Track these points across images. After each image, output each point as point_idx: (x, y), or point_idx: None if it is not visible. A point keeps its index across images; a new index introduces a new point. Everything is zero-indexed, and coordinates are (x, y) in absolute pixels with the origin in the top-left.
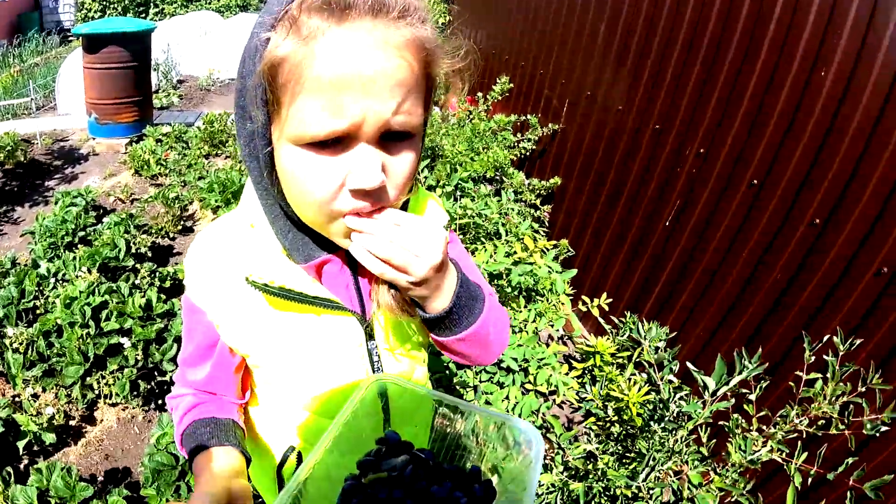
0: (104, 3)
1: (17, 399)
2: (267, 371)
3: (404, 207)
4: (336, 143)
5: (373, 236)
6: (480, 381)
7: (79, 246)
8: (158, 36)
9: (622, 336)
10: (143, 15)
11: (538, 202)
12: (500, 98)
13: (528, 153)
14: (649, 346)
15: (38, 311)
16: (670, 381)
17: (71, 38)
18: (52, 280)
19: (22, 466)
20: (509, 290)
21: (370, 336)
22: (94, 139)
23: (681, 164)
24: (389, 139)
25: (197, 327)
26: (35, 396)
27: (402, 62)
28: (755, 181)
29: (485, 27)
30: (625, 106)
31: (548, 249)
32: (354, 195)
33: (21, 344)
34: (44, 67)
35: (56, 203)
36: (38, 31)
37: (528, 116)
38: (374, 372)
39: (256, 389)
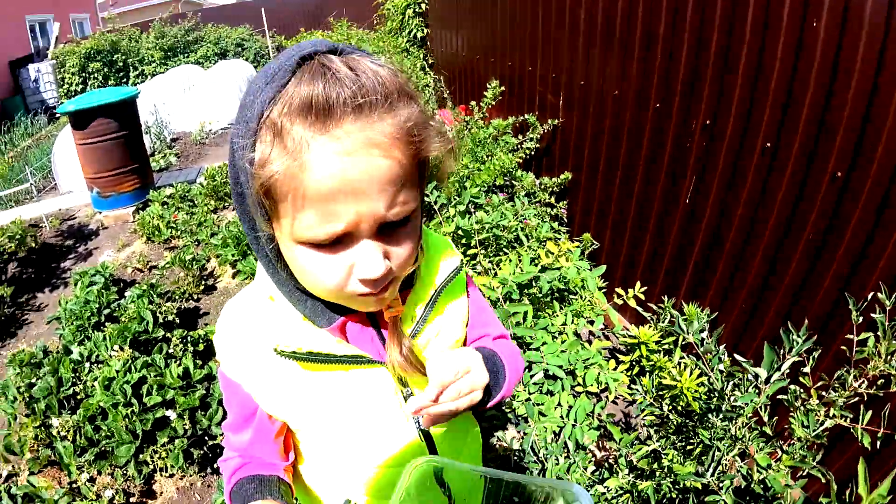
0: (84, 75)
1: (74, 486)
2: (309, 432)
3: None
4: (337, 242)
5: (437, 405)
6: (529, 393)
7: (106, 324)
8: (144, 98)
9: (663, 322)
10: (125, 80)
11: (553, 200)
12: (493, 103)
13: (532, 153)
14: (693, 337)
15: (78, 397)
16: (720, 371)
17: (59, 115)
18: (87, 364)
19: None
20: (541, 295)
21: (403, 383)
22: (100, 213)
23: (688, 139)
24: (388, 228)
25: (234, 398)
26: (92, 480)
27: (390, 161)
28: (768, 144)
29: (464, 33)
30: (620, 89)
31: (572, 251)
32: (363, 282)
33: (68, 431)
34: (37, 149)
35: (76, 284)
36: (24, 113)
37: (526, 116)
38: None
39: (301, 447)
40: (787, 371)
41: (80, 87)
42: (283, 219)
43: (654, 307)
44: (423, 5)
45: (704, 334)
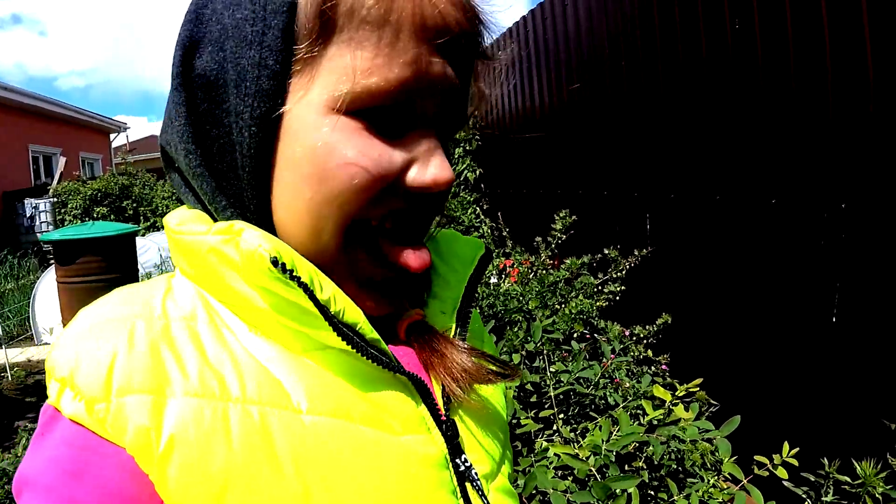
0: (86, 218)
1: None
2: None
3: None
4: (391, 123)
5: None
6: None
7: None
8: (151, 247)
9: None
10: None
11: (650, 353)
12: (563, 238)
13: (617, 297)
14: None
15: None
16: None
17: (51, 260)
18: None
19: None
20: (646, 470)
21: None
22: None
23: (821, 235)
24: (444, 134)
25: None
26: None
27: (481, 29)
28: None
29: (524, 165)
30: (723, 192)
31: (691, 396)
32: (393, 202)
33: None
34: (18, 293)
35: (19, 444)
36: (12, 251)
37: (606, 251)
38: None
39: None
40: None
41: None
42: (331, 51)
43: (810, 478)
44: (474, 142)
45: None
